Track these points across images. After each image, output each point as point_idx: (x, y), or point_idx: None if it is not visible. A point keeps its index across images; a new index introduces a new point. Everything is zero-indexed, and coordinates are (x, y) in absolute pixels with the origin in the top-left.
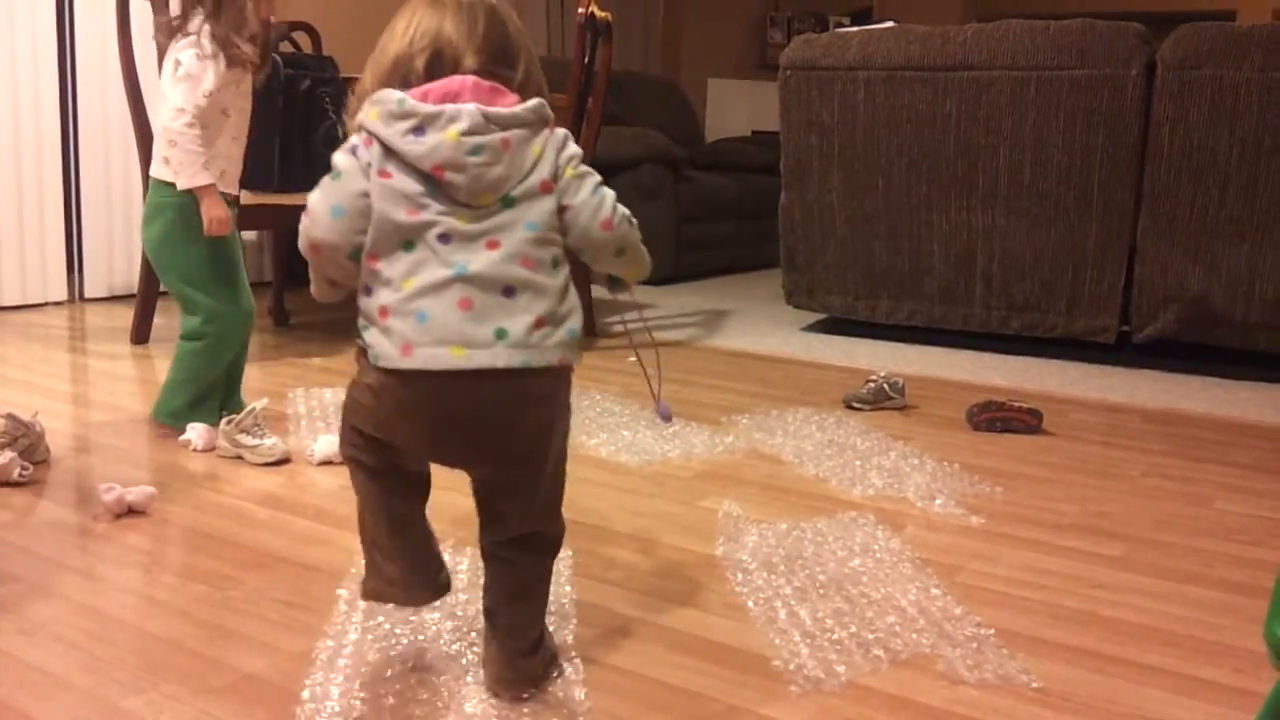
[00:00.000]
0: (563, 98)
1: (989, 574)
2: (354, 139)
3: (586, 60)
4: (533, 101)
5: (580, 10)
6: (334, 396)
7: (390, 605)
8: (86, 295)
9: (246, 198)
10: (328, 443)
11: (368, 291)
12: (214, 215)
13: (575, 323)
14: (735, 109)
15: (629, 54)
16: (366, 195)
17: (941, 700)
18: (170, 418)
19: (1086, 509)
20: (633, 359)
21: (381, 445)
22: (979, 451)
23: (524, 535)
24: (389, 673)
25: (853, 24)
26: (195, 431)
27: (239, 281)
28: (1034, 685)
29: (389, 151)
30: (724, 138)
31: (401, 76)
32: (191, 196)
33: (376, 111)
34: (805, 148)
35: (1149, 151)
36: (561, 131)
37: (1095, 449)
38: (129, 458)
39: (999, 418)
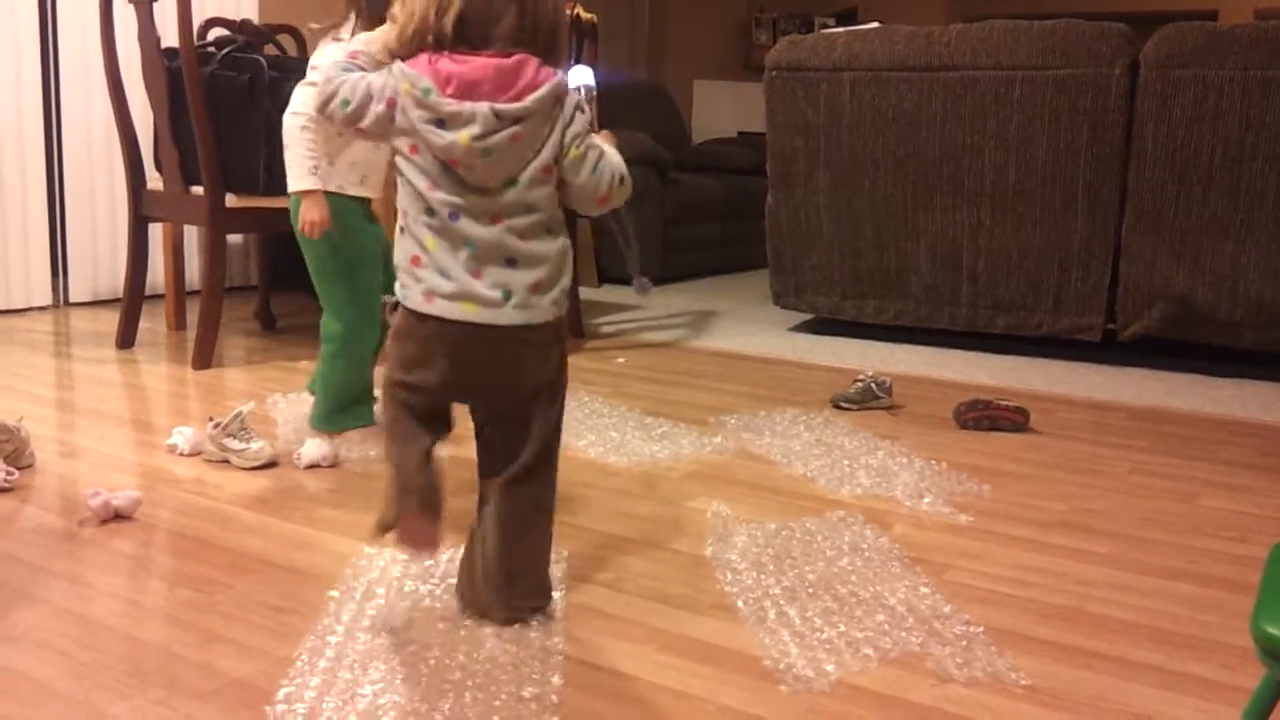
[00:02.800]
0: None
1: (977, 572)
2: (389, 79)
3: (573, 62)
4: (544, 88)
5: (565, 12)
6: None
7: (400, 540)
8: (71, 300)
9: (231, 200)
10: (314, 446)
11: (403, 233)
12: (309, 218)
13: (567, 279)
14: (721, 110)
15: (614, 56)
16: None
17: (931, 698)
18: (320, 422)
19: (1074, 506)
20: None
21: (415, 391)
22: (966, 450)
23: (524, 473)
24: (365, 685)
25: (838, 25)
26: (181, 436)
27: (376, 290)
28: (1022, 682)
29: (414, 130)
30: (710, 139)
31: (433, 35)
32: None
33: (407, 88)
34: (791, 149)
35: (1133, 150)
36: (572, 102)
37: (1082, 447)
38: (114, 463)
39: (986, 416)
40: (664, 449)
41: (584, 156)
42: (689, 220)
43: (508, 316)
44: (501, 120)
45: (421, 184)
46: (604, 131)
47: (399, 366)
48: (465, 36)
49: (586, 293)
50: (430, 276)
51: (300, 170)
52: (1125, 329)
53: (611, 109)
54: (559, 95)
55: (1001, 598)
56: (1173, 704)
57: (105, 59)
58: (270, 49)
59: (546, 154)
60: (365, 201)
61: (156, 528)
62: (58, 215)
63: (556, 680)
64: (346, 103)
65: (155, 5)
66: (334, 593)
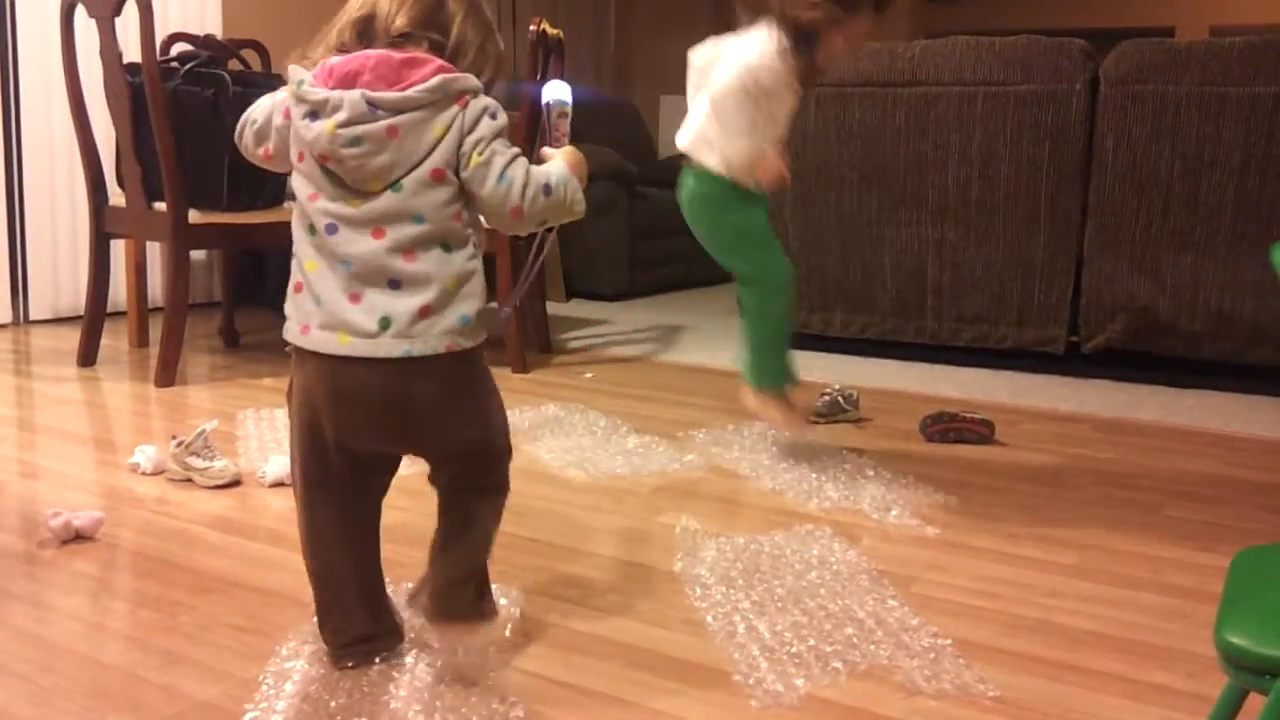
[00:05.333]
0: (515, 115)
1: (945, 584)
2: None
3: (539, 77)
4: (433, 80)
5: (532, 28)
6: (285, 417)
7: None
8: (31, 317)
9: (194, 216)
10: (279, 464)
11: (293, 256)
12: (765, 175)
13: (468, 307)
14: None
15: (581, 71)
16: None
17: (900, 711)
18: (752, 377)
19: (1039, 518)
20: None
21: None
22: (933, 462)
23: (462, 479)
24: (333, 703)
25: None
26: (144, 454)
27: (774, 252)
28: (991, 694)
29: (296, 132)
30: (677, 154)
31: (339, 43)
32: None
33: (290, 88)
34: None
35: (1094, 165)
36: (479, 106)
37: (1047, 458)
38: (76, 482)
39: (952, 429)
40: (632, 463)
41: (488, 164)
42: (656, 235)
43: (385, 348)
44: (376, 109)
45: (304, 194)
46: (567, 147)
47: (296, 434)
48: (367, 36)
49: (554, 308)
50: (306, 304)
51: (737, 135)
52: (1088, 341)
53: (579, 123)
54: (457, 94)
55: (969, 609)
56: (1138, 714)
57: (66, 74)
58: (235, 64)
59: (437, 157)
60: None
61: (118, 548)
62: (18, 232)
63: (517, 709)
64: (254, 122)
65: (118, 20)
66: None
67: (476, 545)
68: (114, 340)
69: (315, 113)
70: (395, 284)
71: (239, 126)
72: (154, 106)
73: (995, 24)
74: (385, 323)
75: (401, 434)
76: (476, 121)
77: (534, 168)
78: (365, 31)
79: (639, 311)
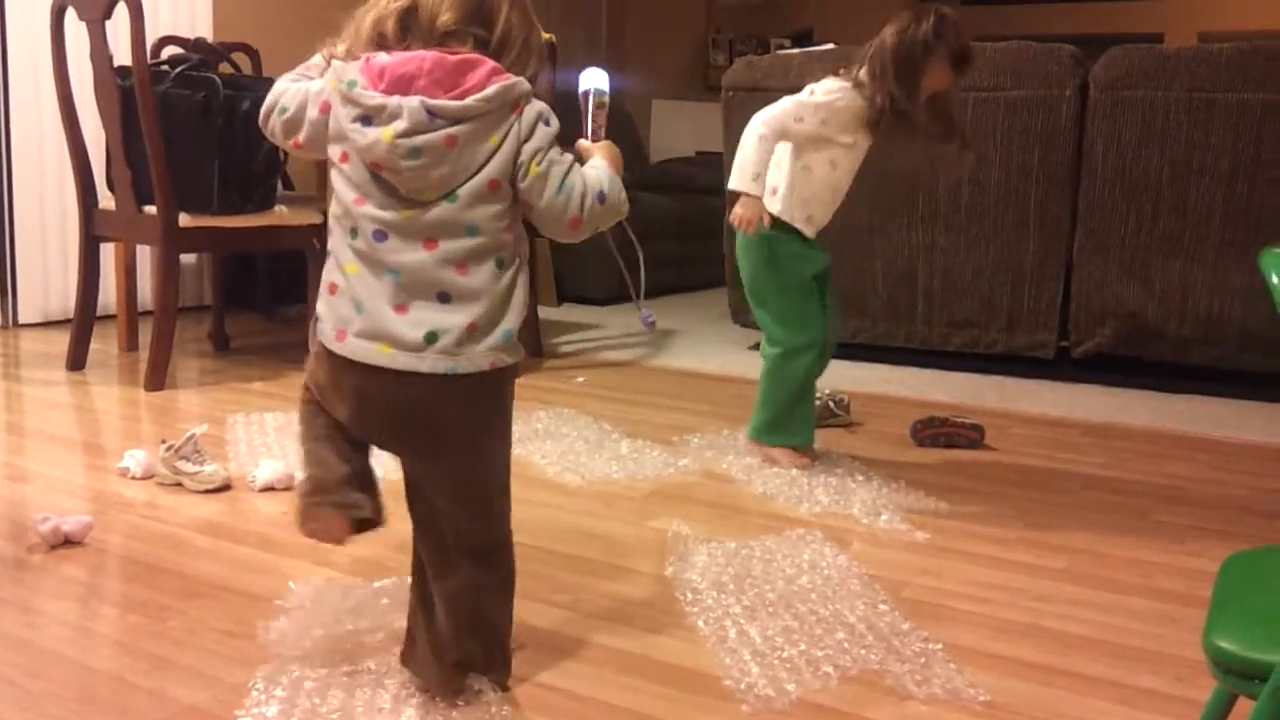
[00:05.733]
0: None
1: (935, 589)
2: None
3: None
4: (492, 89)
5: None
6: (275, 421)
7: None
8: (20, 321)
9: (185, 220)
10: (269, 468)
11: (329, 254)
12: (740, 214)
13: (512, 322)
14: (679, 130)
15: (572, 75)
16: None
17: (890, 715)
18: (755, 433)
19: (1029, 522)
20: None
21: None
22: (923, 467)
23: (458, 544)
24: (324, 707)
25: (794, 46)
26: (133, 459)
27: (814, 312)
28: (981, 699)
29: (343, 134)
30: (668, 158)
31: (376, 35)
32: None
33: (335, 84)
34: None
35: (1083, 170)
36: (534, 112)
37: (1037, 463)
38: (65, 487)
39: (942, 433)
40: (624, 468)
41: (546, 174)
42: (647, 239)
43: (429, 363)
44: (435, 118)
45: (349, 198)
46: (605, 142)
47: (313, 379)
48: (412, 30)
49: (546, 312)
50: (343, 308)
51: (743, 173)
52: (1078, 346)
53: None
54: (514, 102)
55: (959, 614)
56: (1128, 718)
57: (56, 77)
58: (225, 67)
59: (494, 167)
60: (802, 236)
61: (107, 553)
62: (7, 235)
63: (508, 714)
64: (285, 110)
65: (108, 23)
66: (292, 584)
67: (476, 622)
68: (103, 344)
69: (369, 118)
70: (445, 297)
71: (264, 111)
72: (144, 110)
73: (985, 30)
74: (432, 337)
75: (424, 441)
76: (532, 130)
77: (588, 173)
78: (407, 25)
79: (630, 315)
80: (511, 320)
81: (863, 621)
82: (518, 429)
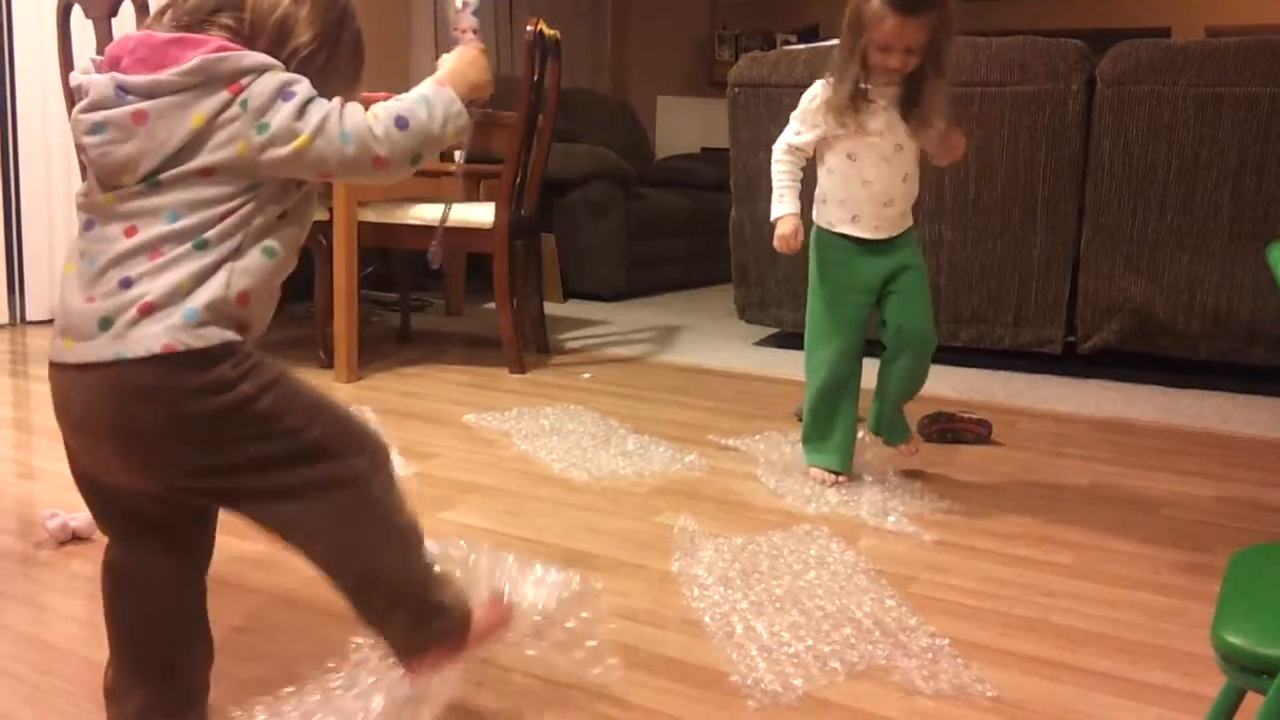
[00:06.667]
0: (512, 115)
1: (942, 584)
2: None
3: (536, 78)
4: (193, 61)
5: (529, 28)
6: None
7: None
8: (28, 318)
9: None
10: None
11: None
12: (778, 232)
13: (200, 300)
14: (685, 126)
15: (578, 72)
16: None
17: (898, 711)
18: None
19: (1037, 518)
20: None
21: None
22: (930, 463)
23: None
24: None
25: (799, 42)
26: None
27: (842, 324)
28: (989, 694)
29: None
30: (674, 155)
31: (155, 21)
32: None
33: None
34: (754, 164)
35: (1090, 165)
36: (267, 88)
37: (1044, 458)
38: (72, 483)
39: (949, 429)
40: (633, 464)
41: (321, 135)
42: (653, 235)
43: (94, 350)
44: (126, 93)
45: (79, 191)
46: (457, 49)
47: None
48: (169, 16)
49: (552, 308)
50: (59, 313)
51: (773, 200)
52: (1085, 341)
53: (578, 124)
54: (226, 77)
55: (967, 610)
56: (1136, 713)
57: (62, 73)
58: None
59: (208, 156)
60: (856, 239)
61: None
62: (14, 232)
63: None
64: None
65: (114, 20)
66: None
67: (389, 617)
68: None
69: (78, 101)
70: (127, 283)
71: None
72: None
73: (991, 25)
74: (106, 323)
75: (142, 457)
76: (271, 105)
77: (376, 105)
78: (176, 13)
79: (636, 312)
80: (201, 296)
81: (870, 617)
82: (525, 425)
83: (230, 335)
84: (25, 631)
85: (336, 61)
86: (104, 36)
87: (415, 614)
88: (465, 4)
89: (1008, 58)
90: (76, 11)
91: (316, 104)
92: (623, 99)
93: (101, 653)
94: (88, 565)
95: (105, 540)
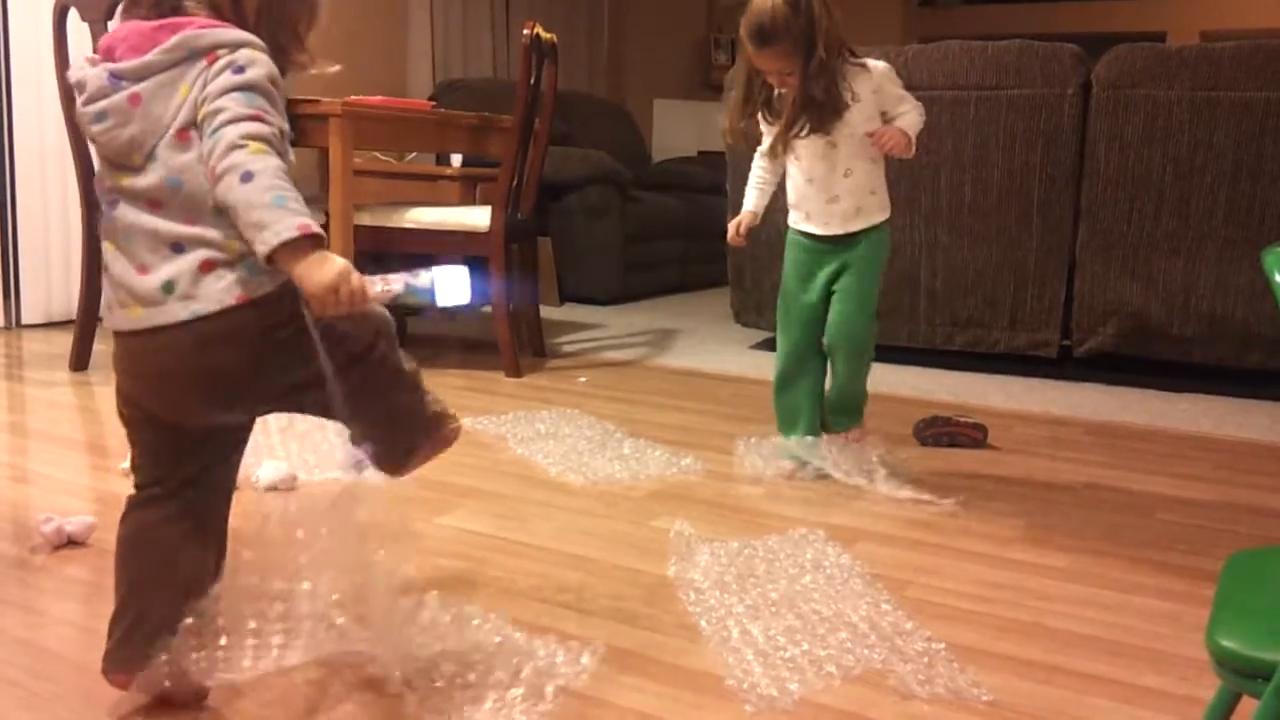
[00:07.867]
0: (509, 119)
1: (938, 588)
2: None
3: (532, 81)
4: (172, 39)
5: (525, 32)
6: (278, 421)
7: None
8: (24, 322)
9: None
10: (273, 468)
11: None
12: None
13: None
14: (681, 130)
15: (574, 75)
16: None
17: (894, 715)
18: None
19: (1032, 521)
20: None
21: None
22: (926, 466)
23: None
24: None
25: None
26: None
27: (791, 322)
28: (984, 698)
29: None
30: (670, 158)
31: (132, 6)
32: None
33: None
34: (750, 168)
35: (1086, 169)
36: (228, 58)
37: (1039, 462)
38: (67, 487)
39: (945, 433)
40: (629, 468)
41: (213, 116)
42: (649, 238)
43: (169, 313)
44: (120, 80)
45: (100, 173)
46: (329, 256)
47: (118, 393)
48: (145, 3)
49: (548, 312)
50: (108, 286)
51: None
52: (1080, 345)
53: (574, 127)
54: (205, 50)
55: (962, 614)
56: (1131, 717)
57: (59, 77)
58: None
59: (184, 115)
60: (811, 236)
61: (110, 553)
62: (9, 235)
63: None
64: None
65: (110, 24)
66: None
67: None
68: (106, 344)
69: (77, 95)
70: (178, 247)
71: None
72: None
73: (988, 29)
74: (169, 287)
75: (223, 395)
76: (221, 71)
77: (266, 136)
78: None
79: (633, 315)
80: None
81: (865, 621)
82: (522, 429)
83: (279, 275)
84: (20, 636)
85: (287, 4)
86: (100, 40)
87: (418, 429)
88: (387, 289)
89: (1004, 62)
90: (73, 14)
91: (250, 95)
92: (619, 102)
93: (96, 657)
94: (82, 570)
95: (105, 540)
